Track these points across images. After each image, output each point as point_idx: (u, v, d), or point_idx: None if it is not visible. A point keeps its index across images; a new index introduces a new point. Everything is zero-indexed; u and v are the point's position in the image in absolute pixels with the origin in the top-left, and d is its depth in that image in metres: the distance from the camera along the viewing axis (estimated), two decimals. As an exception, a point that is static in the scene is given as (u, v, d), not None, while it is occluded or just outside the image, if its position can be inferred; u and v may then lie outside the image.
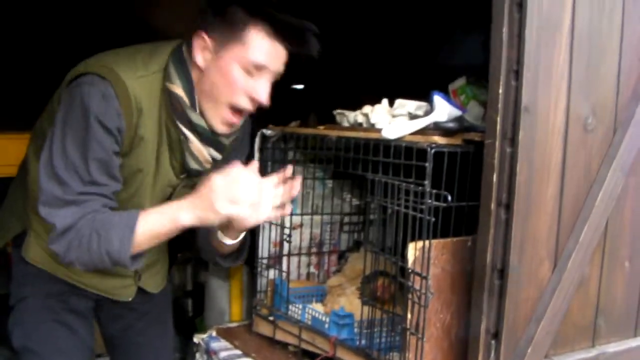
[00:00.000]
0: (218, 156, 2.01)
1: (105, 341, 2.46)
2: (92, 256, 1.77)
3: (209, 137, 1.93)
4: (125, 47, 1.98)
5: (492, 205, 1.68)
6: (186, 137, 1.92)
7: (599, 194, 1.78)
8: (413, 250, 1.77)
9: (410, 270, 1.78)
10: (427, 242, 1.76)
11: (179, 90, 1.87)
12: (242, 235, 1.95)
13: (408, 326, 1.80)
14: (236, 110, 1.87)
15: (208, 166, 2.01)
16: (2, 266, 3.52)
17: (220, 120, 1.88)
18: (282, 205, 1.80)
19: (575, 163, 1.75)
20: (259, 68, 1.83)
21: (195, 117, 1.88)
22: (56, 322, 2.16)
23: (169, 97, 1.88)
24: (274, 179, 1.77)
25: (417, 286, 1.78)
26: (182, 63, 1.89)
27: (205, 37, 1.84)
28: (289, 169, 1.78)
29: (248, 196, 1.71)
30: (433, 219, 1.76)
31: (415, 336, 1.78)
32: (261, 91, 1.84)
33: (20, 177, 2.15)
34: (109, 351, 2.49)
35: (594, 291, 1.87)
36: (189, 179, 2.06)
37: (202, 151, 1.95)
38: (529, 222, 1.70)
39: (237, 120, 1.88)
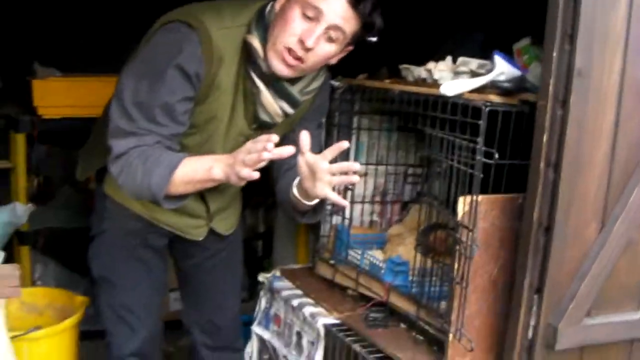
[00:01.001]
0: (290, 110, 2.10)
1: (178, 276, 2.61)
2: (135, 184, 1.92)
3: (281, 89, 2.03)
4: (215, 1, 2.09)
5: (541, 165, 1.72)
6: (258, 89, 2.02)
7: (651, 156, 1.80)
8: (463, 204, 1.84)
9: (459, 224, 1.85)
10: (475, 197, 1.83)
11: (255, 41, 1.97)
12: (317, 200, 2.05)
13: (455, 276, 1.88)
14: (291, 52, 1.94)
15: (279, 119, 2.11)
16: (82, 202, 3.74)
17: (278, 59, 1.95)
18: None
19: (628, 127, 1.76)
20: (315, 12, 1.90)
21: (265, 66, 1.98)
22: (132, 257, 2.31)
23: (247, 49, 1.98)
24: (328, 155, 1.85)
25: (465, 239, 1.85)
26: (263, 17, 1.99)
27: None
28: (344, 143, 1.87)
29: (253, 160, 1.76)
30: (481, 175, 1.82)
31: (460, 286, 1.86)
32: (309, 34, 1.90)
33: (106, 116, 2.29)
34: (180, 287, 2.64)
35: (641, 254, 1.90)
36: (262, 131, 2.15)
37: (272, 104, 2.05)
38: (577, 183, 1.73)
39: (292, 62, 1.94)
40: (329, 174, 1.86)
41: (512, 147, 1.88)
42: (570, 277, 1.78)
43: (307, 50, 1.92)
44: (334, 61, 2.08)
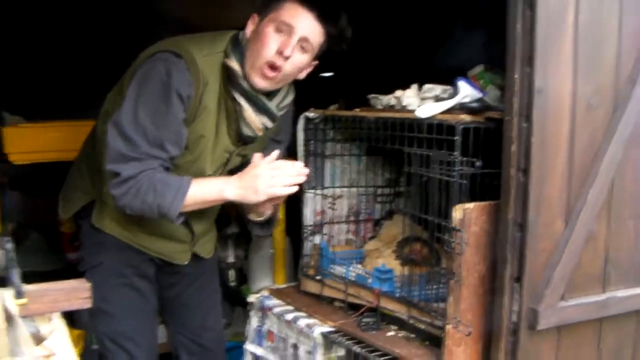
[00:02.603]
0: (269, 124, 2.36)
1: (162, 304, 2.72)
2: (143, 206, 2.14)
3: (261, 105, 2.28)
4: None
5: (512, 171, 2.00)
6: (241, 107, 2.27)
7: (602, 161, 2.09)
8: (459, 211, 2.09)
9: (454, 228, 2.10)
10: (470, 204, 2.09)
11: (234, 64, 2.22)
12: (266, 215, 2.38)
13: (450, 274, 2.13)
14: (271, 66, 2.20)
15: (260, 134, 2.37)
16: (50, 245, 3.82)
17: (259, 75, 2.22)
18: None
19: (581, 136, 2.06)
20: (288, 27, 2.19)
21: (246, 85, 2.23)
22: (128, 287, 2.46)
23: (227, 72, 2.23)
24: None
25: (458, 241, 2.10)
26: (238, 43, 2.26)
27: (256, 16, 2.24)
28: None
29: (284, 182, 2.15)
30: (465, 182, 2.10)
31: (456, 281, 2.10)
32: (285, 44, 2.19)
33: (86, 154, 2.47)
34: (165, 313, 2.78)
35: (602, 245, 2.17)
36: (243, 147, 2.41)
37: (254, 120, 2.30)
38: (543, 185, 2.01)
39: (272, 75, 2.21)
40: None
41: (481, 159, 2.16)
42: (544, 266, 2.06)
43: (286, 58, 2.19)
44: (302, 75, 2.35)
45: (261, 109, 2.31)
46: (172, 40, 2.26)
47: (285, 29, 2.19)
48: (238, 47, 2.26)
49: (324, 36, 2.25)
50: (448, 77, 2.33)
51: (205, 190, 2.19)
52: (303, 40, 2.21)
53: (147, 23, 3.84)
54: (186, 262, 2.55)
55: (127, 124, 2.13)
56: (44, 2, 3.80)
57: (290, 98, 2.44)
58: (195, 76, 2.17)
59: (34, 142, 3.47)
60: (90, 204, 2.43)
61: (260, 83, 2.23)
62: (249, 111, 2.29)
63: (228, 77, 2.25)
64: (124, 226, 2.39)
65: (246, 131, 2.34)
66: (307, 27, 2.21)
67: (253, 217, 2.39)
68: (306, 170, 2.20)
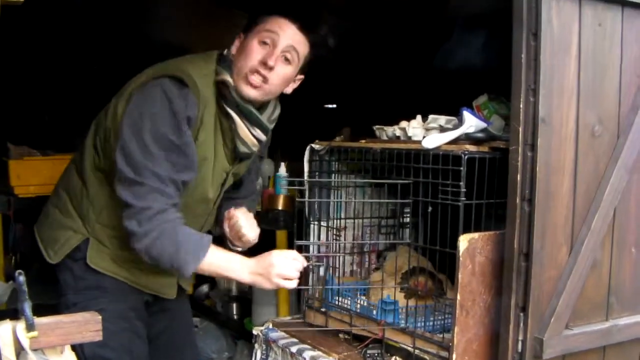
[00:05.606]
0: (262, 137, 2.37)
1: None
2: (165, 254, 2.14)
3: (254, 118, 2.29)
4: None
5: (517, 200, 2.01)
6: (235, 123, 2.28)
7: (606, 188, 2.11)
8: (465, 241, 2.09)
9: (460, 258, 2.10)
10: (476, 234, 2.11)
11: (225, 76, 2.24)
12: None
13: (457, 305, 2.12)
14: (255, 74, 2.22)
15: (255, 149, 2.38)
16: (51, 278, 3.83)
17: (246, 83, 2.23)
18: None
19: (585, 163, 2.08)
20: (271, 38, 2.22)
21: (236, 96, 2.24)
22: (131, 331, 2.34)
23: (220, 88, 2.25)
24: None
25: (464, 271, 2.10)
26: (225, 59, 2.29)
27: (242, 34, 2.28)
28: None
29: (296, 275, 2.22)
30: (471, 212, 2.11)
31: (460, 311, 2.10)
32: (268, 54, 2.22)
33: (73, 192, 2.35)
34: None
35: (605, 273, 2.19)
36: (237, 165, 2.43)
37: (248, 135, 2.31)
38: (548, 214, 2.02)
39: (258, 83, 2.23)
40: None
41: (481, 188, 2.17)
42: (549, 295, 2.06)
43: (270, 69, 2.22)
44: (289, 90, 2.36)
45: (254, 123, 2.31)
46: (168, 64, 2.25)
47: (269, 41, 2.22)
48: (226, 62, 2.28)
49: (308, 46, 2.29)
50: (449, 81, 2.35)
51: (222, 265, 2.24)
52: (287, 50, 2.24)
53: (148, 53, 3.88)
54: (174, 296, 2.50)
55: (138, 155, 2.10)
56: (46, 35, 3.85)
57: (277, 112, 2.45)
58: (196, 97, 2.17)
59: (38, 175, 3.49)
60: (82, 244, 2.30)
61: (249, 92, 2.24)
62: (242, 127, 2.29)
63: (221, 94, 2.26)
64: (122, 265, 2.30)
65: (242, 148, 2.34)
66: (291, 36, 2.23)
67: (237, 247, 2.46)
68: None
